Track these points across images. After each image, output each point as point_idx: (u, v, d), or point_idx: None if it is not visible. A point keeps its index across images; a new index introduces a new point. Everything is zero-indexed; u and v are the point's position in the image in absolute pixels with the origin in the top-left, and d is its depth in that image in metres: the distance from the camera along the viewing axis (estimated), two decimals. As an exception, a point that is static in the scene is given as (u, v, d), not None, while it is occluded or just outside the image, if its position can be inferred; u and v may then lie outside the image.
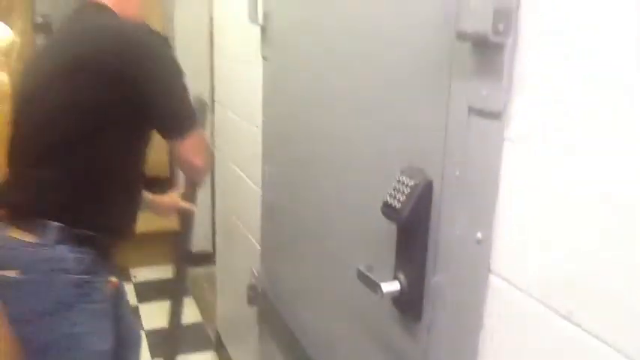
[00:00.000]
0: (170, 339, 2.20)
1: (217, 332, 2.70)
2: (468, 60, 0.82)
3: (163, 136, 1.56)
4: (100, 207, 1.52)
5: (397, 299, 1.03)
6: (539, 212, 0.76)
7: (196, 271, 3.13)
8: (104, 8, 1.55)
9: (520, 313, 0.80)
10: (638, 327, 0.63)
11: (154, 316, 2.94)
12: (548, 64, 0.73)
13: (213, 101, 2.53)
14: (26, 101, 1.56)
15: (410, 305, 1.01)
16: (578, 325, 0.70)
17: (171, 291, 2.14)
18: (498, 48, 0.77)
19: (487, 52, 0.78)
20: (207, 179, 2.40)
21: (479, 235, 0.85)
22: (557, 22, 0.71)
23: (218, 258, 2.68)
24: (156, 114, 1.51)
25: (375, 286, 1.01)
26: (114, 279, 1.62)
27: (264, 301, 1.86)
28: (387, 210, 0.98)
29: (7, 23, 2.57)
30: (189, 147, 1.56)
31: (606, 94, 0.65)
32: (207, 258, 3.11)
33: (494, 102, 0.79)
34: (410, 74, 0.99)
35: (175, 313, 2.11)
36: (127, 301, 1.88)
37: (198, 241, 3.01)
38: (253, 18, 1.69)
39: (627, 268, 0.64)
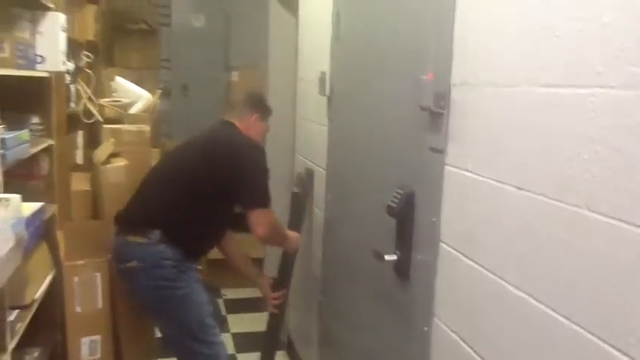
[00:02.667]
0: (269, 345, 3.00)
1: (289, 336, 3.35)
2: (428, 122, 1.49)
3: (243, 207, 2.31)
4: (189, 237, 2.29)
5: (396, 267, 1.67)
6: (460, 205, 1.39)
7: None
8: (233, 126, 2.43)
9: (451, 261, 1.42)
10: (499, 259, 1.25)
11: (238, 323, 3.67)
12: (466, 123, 1.38)
13: (294, 151, 3.27)
14: (168, 162, 2.49)
15: (403, 270, 1.65)
16: (474, 261, 1.33)
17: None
18: (439, 114, 1.43)
19: (435, 117, 1.45)
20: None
21: (433, 219, 1.49)
22: (473, 100, 1.36)
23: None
24: (241, 194, 2.29)
25: (381, 257, 1.66)
26: (200, 267, 2.42)
27: (323, 292, 2.52)
28: (389, 209, 1.64)
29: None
30: (255, 218, 2.25)
31: (496, 143, 1.30)
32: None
33: (440, 144, 1.45)
34: (404, 132, 1.68)
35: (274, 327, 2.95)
36: None
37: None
38: (322, 92, 2.44)
39: (494, 231, 1.27)
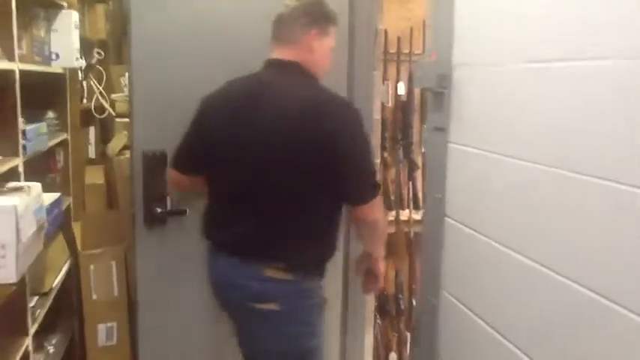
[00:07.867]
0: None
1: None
2: (432, 102, 1.56)
3: (352, 204, 1.72)
4: (322, 256, 1.77)
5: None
6: (463, 181, 1.46)
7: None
8: (296, 67, 1.67)
9: (454, 231, 1.50)
10: (488, 220, 1.32)
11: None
12: (467, 103, 1.44)
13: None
14: (240, 158, 1.69)
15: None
16: (473, 229, 1.40)
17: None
18: (442, 95, 1.50)
19: (438, 97, 1.52)
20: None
21: (439, 195, 1.55)
22: (474, 80, 1.42)
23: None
24: (348, 188, 1.67)
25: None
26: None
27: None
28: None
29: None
30: (370, 208, 1.69)
31: (494, 121, 1.36)
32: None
33: (443, 123, 1.52)
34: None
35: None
36: None
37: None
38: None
39: (490, 202, 1.33)
